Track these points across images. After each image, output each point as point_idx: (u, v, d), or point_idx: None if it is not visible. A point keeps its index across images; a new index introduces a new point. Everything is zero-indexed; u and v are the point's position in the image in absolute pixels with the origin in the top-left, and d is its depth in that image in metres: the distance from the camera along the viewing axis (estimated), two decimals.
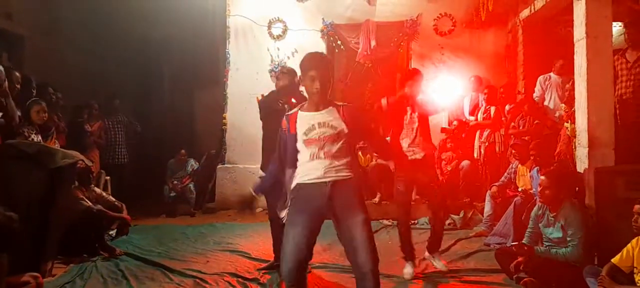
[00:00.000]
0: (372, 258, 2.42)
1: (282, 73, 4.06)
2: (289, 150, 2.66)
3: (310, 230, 2.51)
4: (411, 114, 3.92)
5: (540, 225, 3.69)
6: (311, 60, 2.64)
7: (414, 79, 3.91)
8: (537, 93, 5.99)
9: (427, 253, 4.09)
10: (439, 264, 4.00)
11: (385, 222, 5.93)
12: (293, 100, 3.80)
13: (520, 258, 3.55)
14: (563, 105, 5.08)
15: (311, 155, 2.57)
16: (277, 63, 7.27)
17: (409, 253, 3.96)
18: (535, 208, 3.78)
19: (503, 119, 6.22)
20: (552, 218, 3.60)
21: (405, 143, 3.91)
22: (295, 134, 2.62)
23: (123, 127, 6.80)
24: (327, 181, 2.53)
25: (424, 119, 3.97)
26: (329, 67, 2.73)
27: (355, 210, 2.51)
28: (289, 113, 2.73)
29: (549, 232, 3.61)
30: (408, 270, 3.88)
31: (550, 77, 5.90)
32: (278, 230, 4.01)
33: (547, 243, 3.64)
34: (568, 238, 3.46)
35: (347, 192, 2.55)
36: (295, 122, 2.65)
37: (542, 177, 3.61)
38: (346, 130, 2.59)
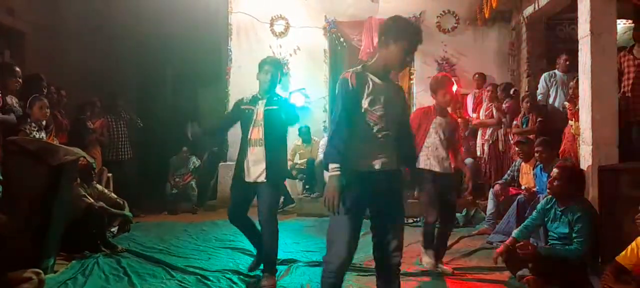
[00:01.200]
0: (401, 250, 2.48)
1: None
2: (355, 117, 2.37)
3: (360, 221, 2.43)
4: (447, 123, 3.85)
5: (546, 220, 3.67)
6: (409, 29, 2.46)
7: (447, 87, 3.86)
8: (540, 90, 5.96)
9: (423, 250, 4.01)
10: (446, 270, 3.92)
11: None
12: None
13: (501, 248, 3.58)
14: (567, 103, 5.05)
15: (368, 136, 2.39)
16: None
17: (429, 244, 3.93)
18: (542, 202, 3.75)
19: (503, 119, 6.18)
20: (560, 213, 3.57)
21: (433, 153, 3.82)
22: (363, 100, 2.37)
23: (126, 124, 6.78)
24: (381, 171, 2.40)
25: (456, 129, 3.92)
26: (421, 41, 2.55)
27: (397, 202, 2.48)
28: (356, 70, 2.44)
29: (554, 226, 3.58)
30: (427, 260, 3.92)
31: (555, 74, 5.86)
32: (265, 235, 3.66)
33: (552, 241, 3.61)
34: (574, 235, 3.43)
35: (394, 184, 2.48)
36: (364, 85, 2.38)
37: (555, 169, 3.58)
38: (404, 115, 2.54)
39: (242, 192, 3.63)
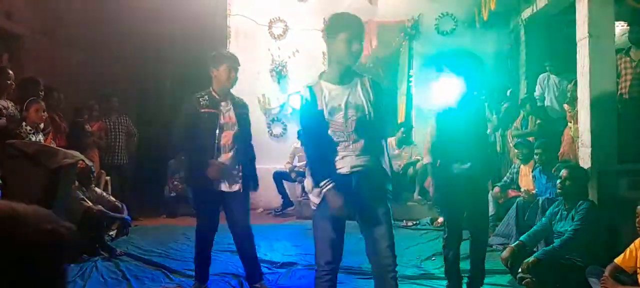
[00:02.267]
0: (392, 250, 2.41)
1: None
2: (319, 130, 2.34)
3: (341, 224, 2.44)
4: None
5: (553, 223, 3.69)
6: (347, 20, 2.37)
7: None
8: (537, 92, 6.02)
9: None
10: None
11: None
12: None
13: (508, 252, 3.57)
14: (566, 105, 5.07)
15: (335, 143, 2.35)
16: (277, 63, 7.25)
17: (452, 280, 3.32)
18: (551, 207, 3.78)
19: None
20: (566, 212, 3.59)
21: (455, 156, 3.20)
22: (323, 111, 2.33)
23: (124, 127, 6.76)
24: (354, 172, 2.35)
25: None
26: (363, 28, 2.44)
27: (377, 202, 2.42)
28: (311, 83, 2.40)
29: (560, 225, 3.61)
30: None
31: (549, 76, 5.93)
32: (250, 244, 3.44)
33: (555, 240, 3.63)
34: (572, 225, 3.46)
35: (372, 184, 2.40)
36: (321, 95, 2.34)
37: (564, 170, 3.62)
38: (373, 112, 2.37)
39: (215, 203, 3.31)
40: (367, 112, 2.37)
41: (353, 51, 2.33)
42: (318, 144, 2.36)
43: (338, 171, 2.35)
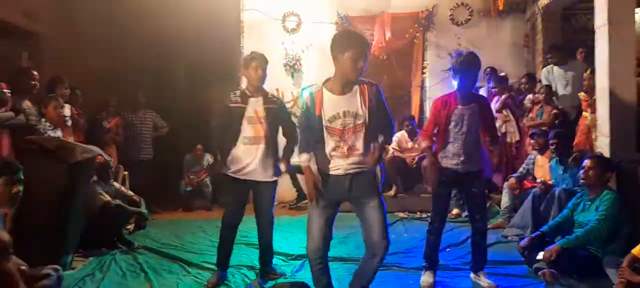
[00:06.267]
0: (384, 237, 2.68)
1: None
2: (314, 131, 2.66)
3: (332, 213, 2.80)
4: (463, 116, 3.30)
5: (575, 213, 3.65)
6: (353, 39, 2.59)
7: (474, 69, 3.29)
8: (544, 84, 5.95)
9: (472, 274, 3.58)
10: (485, 283, 3.45)
11: (401, 214, 5.90)
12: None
13: (527, 241, 3.61)
14: (582, 94, 4.98)
15: (333, 146, 2.64)
16: (291, 57, 7.26)
17: (430, 262, 3.58)
18: (574, 198, 3.74)
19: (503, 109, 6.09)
20: (589, 202, 3.56)
21: (450, 150, 3.37)
22: (320, 116, 2.63)
23: (150, 122, 6.83)
24: (348, 174, 2.65)
25: (477, 123, 3.37)
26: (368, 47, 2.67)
27: (370, 195, 2.69)
28: (314, 90, 2.72)
29: (582, 215, 3.58)
30: (426, 279, 3.52)
31: (552, 69, 5.85)
32: (270, 233, 3.79)
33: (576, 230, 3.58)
34: (596, 215, 3.41)
35: (364, 181, 2.67)
36: (321, 103, 2.64)
37: (588, 160, 3.59)
38: (368, 119, 2.61)
39: (245, 194, 3.67)
40: (363, 119, 2.61)
41: (358, 68, 2.54)
42: (309, 139, 2.71)
43: (334, 172, 2.66)
